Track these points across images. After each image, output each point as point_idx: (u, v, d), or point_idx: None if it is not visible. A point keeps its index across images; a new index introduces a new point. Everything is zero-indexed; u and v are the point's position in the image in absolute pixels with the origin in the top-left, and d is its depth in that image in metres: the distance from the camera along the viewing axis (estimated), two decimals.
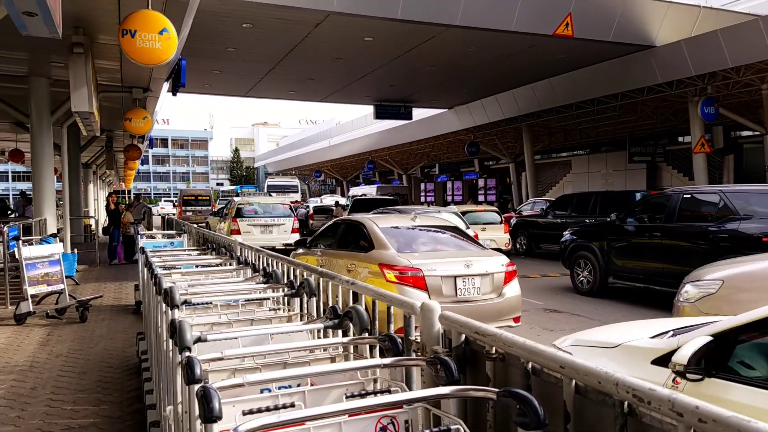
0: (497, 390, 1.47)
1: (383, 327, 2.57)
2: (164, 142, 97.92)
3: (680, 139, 26.98)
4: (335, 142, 52.54)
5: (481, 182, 39.34)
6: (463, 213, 15.12)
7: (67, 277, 8.78)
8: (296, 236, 16.55)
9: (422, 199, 43.85)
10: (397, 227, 7.75)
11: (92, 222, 21.00)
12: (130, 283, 11.57)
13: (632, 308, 9.60)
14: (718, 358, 2.59)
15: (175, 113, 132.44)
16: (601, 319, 8.66)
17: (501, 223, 17.32)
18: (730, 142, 24.57)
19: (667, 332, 3.18)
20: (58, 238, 9.91)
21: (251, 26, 15.01)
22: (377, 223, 7.70)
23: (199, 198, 32.37)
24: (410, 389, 2.02)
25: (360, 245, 7.51)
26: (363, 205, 20.46)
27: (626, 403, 1.29)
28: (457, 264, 6.81)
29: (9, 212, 21.51)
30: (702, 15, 17.30)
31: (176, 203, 38.26)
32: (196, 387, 1.83)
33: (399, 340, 2.05)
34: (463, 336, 1.91)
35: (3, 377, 5.70)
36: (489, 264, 6.97)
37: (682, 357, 2.54)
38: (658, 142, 27.63)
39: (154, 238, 9.82)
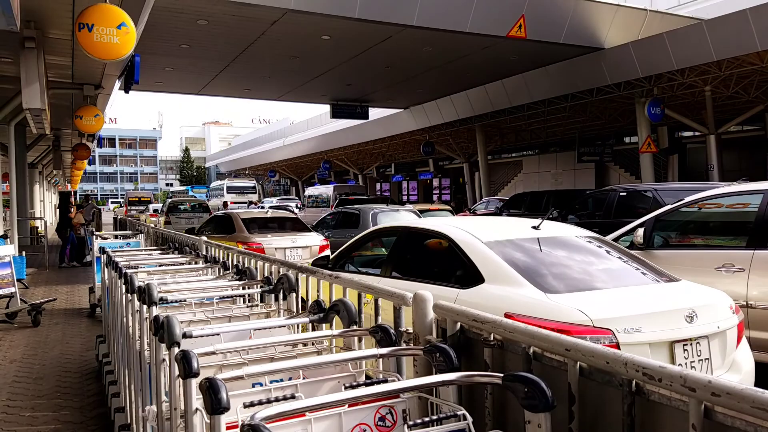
0: (502, 375, 1.50)
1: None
2: (111, 141, 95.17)
3: (627, 139, 27.85)
4: (290, 141, 52.13)
5: (435, 182, 39.72)
6: (421, 211, 15.50)
7: (17, 280, 8.45)
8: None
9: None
10: (253, 218, 11.72)
11: (39, 224, 20.25)
12: (83, 286, 11.22)
13: None
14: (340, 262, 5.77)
15: (122, 112, 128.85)
16: None
17: None
18: (675, 142, 25.49)
19: None
20: (8, 240, 9.53)
21: (206, 23, 14.77)
22: (240, 215, 11.67)
23: (142, 199, 41.16)
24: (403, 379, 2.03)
25: (228, 230, 11.28)
26: (347, 203, 22.53)
27: (634, 382, 1.34)
28: (287, 240, 10.68)
29: None
30: (648, 18, 17.91)
31: (122, 203, 48.32)
32: (194, 381, 1.81)
33: (392, 330, 2.06)
34: (459, 324, 1.93)
35: None
36: (309, 240, 10.91)
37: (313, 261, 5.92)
38: (606, 142, 28.45)
39: (106, 238, 9.54)
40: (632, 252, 4.74)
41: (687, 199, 5.82)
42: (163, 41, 16.22)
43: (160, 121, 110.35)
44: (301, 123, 59.57)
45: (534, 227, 4.48)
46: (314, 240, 10.89)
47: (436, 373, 1.80)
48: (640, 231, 5.67)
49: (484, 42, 16.87)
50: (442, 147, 32.37)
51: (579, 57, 18.51)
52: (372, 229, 5.87)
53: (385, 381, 1.96)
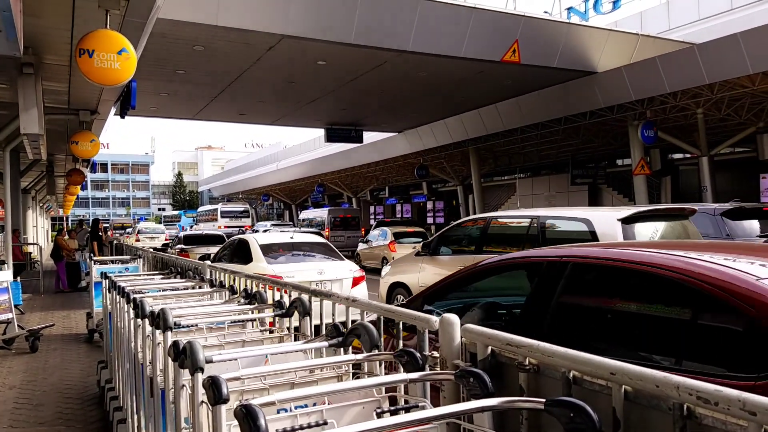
0: (544, 400, 1.47)
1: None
2: (104, 166, 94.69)
3: (620, 161, 28.05)
4: (283, 165, 52.17)
5: (429, 205, 39.77)
6: (397, 234, 19.97)
7: (14, 306, 8.33)
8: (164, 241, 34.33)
9: (371, 222, 43.90)
10: (194, 236, 20.03)
11: (33, 249, 20.07)
12: (79, 311, 11.10)
13: None
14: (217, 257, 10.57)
15: (115, 137, 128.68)
16: None
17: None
18: (667, 164, 25.70)
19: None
20: (5, 266, 9.42)
21: (203, 49, 14.84)
22: (185, 235, 19.04)
23: (124, 225, 53.42)
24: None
25: (179, 243, 16.93)
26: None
27: (685, 406, 1.32)
28: (204, 249, 16.94)
29: None
30: (640, 42, 18.16)
31: (108, 229, 59.94)
32: (223, 407, 1.77)
33: (419, 355, 2.03)
34: (489, 348, 1.91)
35: None
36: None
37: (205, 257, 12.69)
38: (599, 164, 28.62)
39: (104, 263, 9.45)
40: (333, 248, 9.75)
41: (459, 221, 8.74)
42: (158, 67, 16.27)
43: (153, 146, 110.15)
44: (294, 147, 59.69)
45: (291, 237, 9.74)
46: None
47: (468, 399, 1.76)
48: (421, 242, 8.93)
49: (479, 67, 17.03)
50: (436, 170, 32.47)
51: (572, 81, 18.71)
52: (228, 240, 11.10)
53: (415, 406, 1.93)
